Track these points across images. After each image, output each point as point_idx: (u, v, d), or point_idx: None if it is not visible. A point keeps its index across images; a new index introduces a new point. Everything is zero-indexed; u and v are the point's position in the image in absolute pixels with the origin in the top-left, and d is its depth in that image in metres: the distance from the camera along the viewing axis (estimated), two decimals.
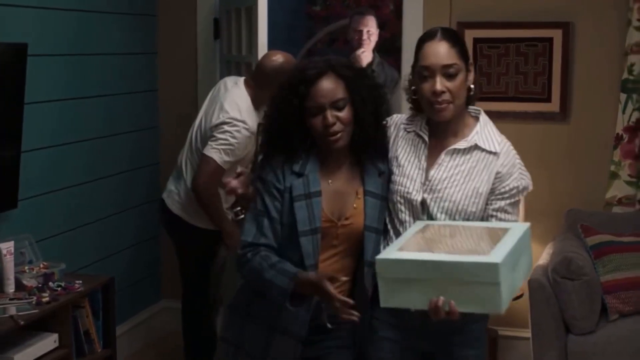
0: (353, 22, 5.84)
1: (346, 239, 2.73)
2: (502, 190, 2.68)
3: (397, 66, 5.71)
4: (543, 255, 4.41)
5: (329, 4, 7.76)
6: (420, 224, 2.66)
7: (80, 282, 3.85)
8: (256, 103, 4.08)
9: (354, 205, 2.73)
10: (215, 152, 3.97)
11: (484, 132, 2.73)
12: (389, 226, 2.77)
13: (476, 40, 4.71)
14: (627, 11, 4.48)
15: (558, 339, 4.02)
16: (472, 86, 2.71)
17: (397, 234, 2.73)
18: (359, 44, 5.71)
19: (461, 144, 2.72)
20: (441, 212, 2.69)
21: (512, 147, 2.74)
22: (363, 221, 2.72)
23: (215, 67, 5.11)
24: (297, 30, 7.43)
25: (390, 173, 2.78)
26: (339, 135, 2.64)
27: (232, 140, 3.97)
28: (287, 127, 2.68)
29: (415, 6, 4.81)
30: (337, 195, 2.72)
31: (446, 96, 2.64)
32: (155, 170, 5.23)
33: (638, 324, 4.03)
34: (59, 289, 3.74)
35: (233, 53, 4.78)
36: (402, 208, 2.73)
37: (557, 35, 4.62)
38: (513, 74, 4.71)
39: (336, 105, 2.63)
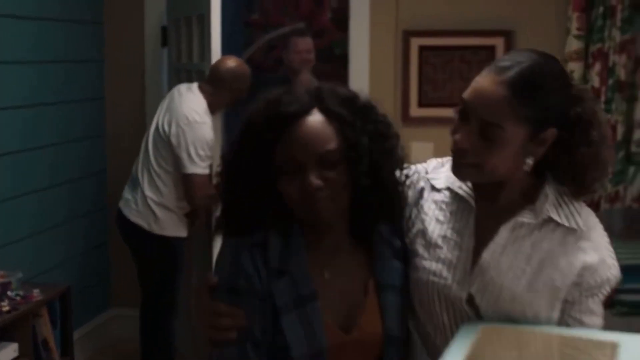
0: (294, 44, 5.96)
1: (360, 359, 1.83)
2: (591, 284, 1.82)
3: (336, 75, 5.83)
4: None
5: (267, 12, 7.82)
6: (472, 328, 1.77)
7: (38, 291, 3.84)
8: (212, 107, 4.17)
9: (366, 306, 1.83)
10: (193, 167, 4.04)
11: (556, 198, 1.85)
12: (415, 332, 1.93)
13: (421, 48, 4.84)
14: (566, 20, 4.65)
15: None
16: (529, 162, 1.80)
17: (432, 346, 1.89)
18: (302, 65, 5.83)
19: (528, 216, 1.83)
20: (498, 315, 1.81)
21: (597, 220, 1.88)
22: (381, 330, 1.82)
23: (163, 74, 5.13)
24: (236, 39, 7.46)
25: (414, 255, 1.89)
26: (323, 205, 1.75)
27: (201, 148, 4.04)
28: (253, 191, 1.79)
29: (361, 15, 4.90)
30: (340, 294, 1.83)
31: (470, 158, 1.78)
32: (103, 178, 5.23)
33: None
34: (18, 298, 3.73)
35: (183, 61, 4.81)
36: (437, 308, 1.86)
37: (499, 43, 4.77)
38: (457, 80, 4.85)
39: (324, 161, 1.74)
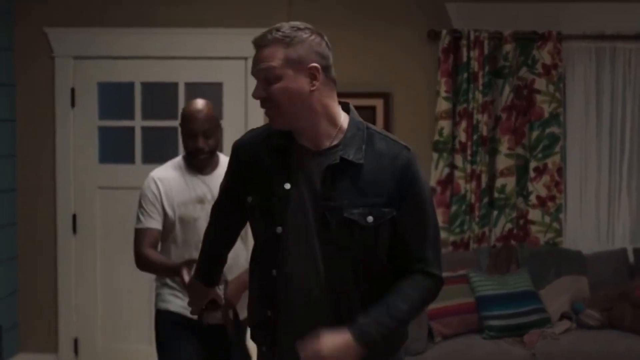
0: None
1: None
2: None
3: None
4: None
5: None
6: None
7: None
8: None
9: None
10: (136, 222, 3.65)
11: None
12: None
13: None
14: (436, 84, 5.33)
15: None
16: None
17: None
18: None
19: None
20: None
21: None
22: None
23: (71, 134, 5.50)
24: None
25: None
26: None
27: (142, 201, 3.63)
28: None
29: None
30: None
31: None
32: (12, 232, 5.49)
33: (457, 344, 4.77)
34: None
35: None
36: None
37: (379, 103, 5.40)
38: None
39: None
